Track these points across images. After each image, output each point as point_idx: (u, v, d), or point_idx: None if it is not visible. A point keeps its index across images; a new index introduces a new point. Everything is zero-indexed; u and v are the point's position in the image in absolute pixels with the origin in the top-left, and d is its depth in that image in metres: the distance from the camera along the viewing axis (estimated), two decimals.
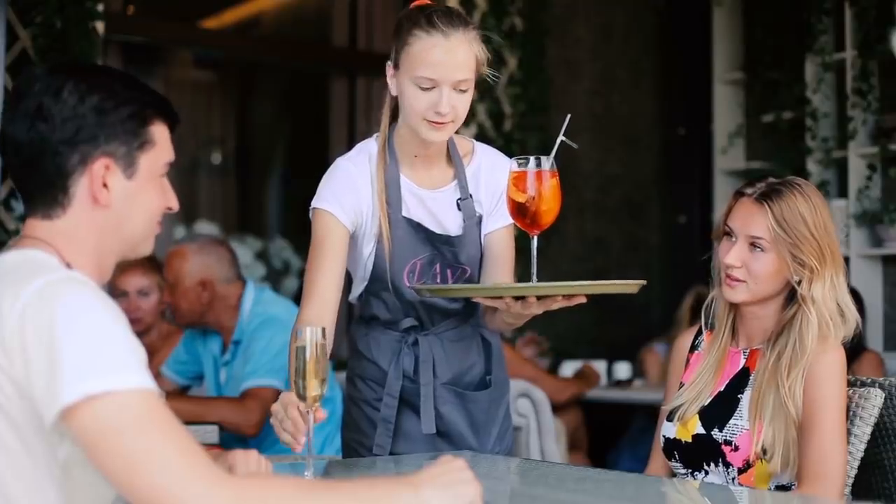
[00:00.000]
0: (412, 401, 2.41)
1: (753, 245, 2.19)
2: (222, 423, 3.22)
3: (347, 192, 2.29)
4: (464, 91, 2.21)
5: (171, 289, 3.55)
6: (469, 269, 2.40)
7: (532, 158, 2.12)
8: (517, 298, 2.11)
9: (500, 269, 2.41)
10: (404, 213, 2.32)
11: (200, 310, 3.53)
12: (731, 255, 2.20)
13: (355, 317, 2.55)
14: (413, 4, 2.29)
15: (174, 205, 1.59)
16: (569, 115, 2.20)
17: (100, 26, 4.35)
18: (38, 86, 1.49)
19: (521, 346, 4.98)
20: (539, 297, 2.10)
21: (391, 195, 2.30)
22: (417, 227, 2.33)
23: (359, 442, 2.45)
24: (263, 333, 3.40)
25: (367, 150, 2.36)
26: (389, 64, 2.28)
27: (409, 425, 2.42)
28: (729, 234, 2.23)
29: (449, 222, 2.36)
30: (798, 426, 2.12)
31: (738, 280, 2.20)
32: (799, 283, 2.17)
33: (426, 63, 2.17)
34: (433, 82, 2.18)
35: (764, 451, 2.13)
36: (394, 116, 2.38)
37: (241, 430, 3.27)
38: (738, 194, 2.25)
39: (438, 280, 2.37)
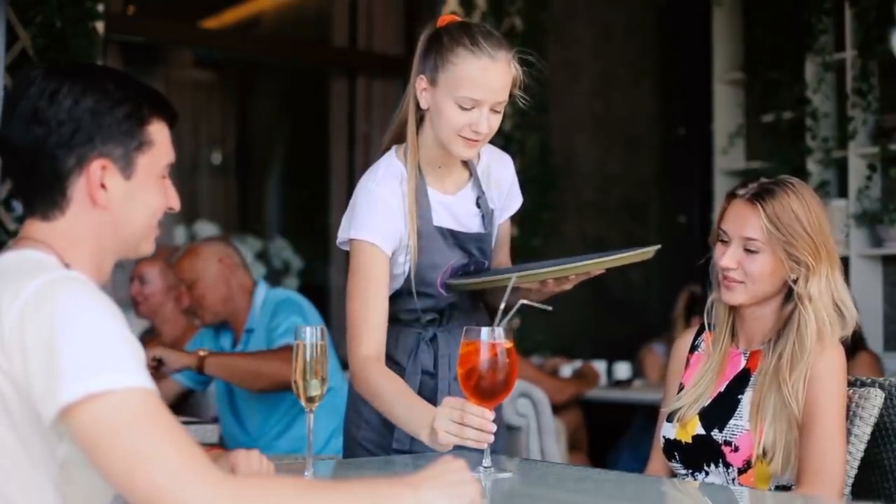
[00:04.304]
0: (429, 397, 2.40)
1: (748, 246, 2.18)
2: (269, 379, 3.25)
3: (386, 221, 2.30)
4: (498, 112, 2.24)
5: (190, 288, 3.63)
6: (490, 264, 2.47)
7: (484, 330, 1.99)
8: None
9: (503, 252, 2.53)
10: (435, 223, 2.34)
11: (226, 294, 3.61)
12: (726, 258, 2.20)
13: None
14: (447, 20, 2.29)
15: (175, 205, 1.59)
16: (514, 277, 2.18)
17: (100, 26, 4.36)
18: (33, 89, 1.49)
19: None
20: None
21: (421, 207, 2.33)
22: (447, 234, 2.36)
23: (371, 440, 2.45)
24: (283, 310, 3.50)
25: (393, 170, 2.35)
26: (423, 77, 2.26)
27: None
28: (723, 237, 2.23)
29: (471, 222, 2.41)
30: (799, 425, 2.12)
31: (735, 281, 2.20)
32: (795, 281, 2.17)
33: (473, 85, 2.19)
34: (476, 103, 2.19)
35: (764, 453, 2.12)
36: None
37: (289, 380, 3.21)
38: (731, 196, 2.24)
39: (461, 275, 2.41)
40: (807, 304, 2.15)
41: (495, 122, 2.24)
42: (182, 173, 5.79)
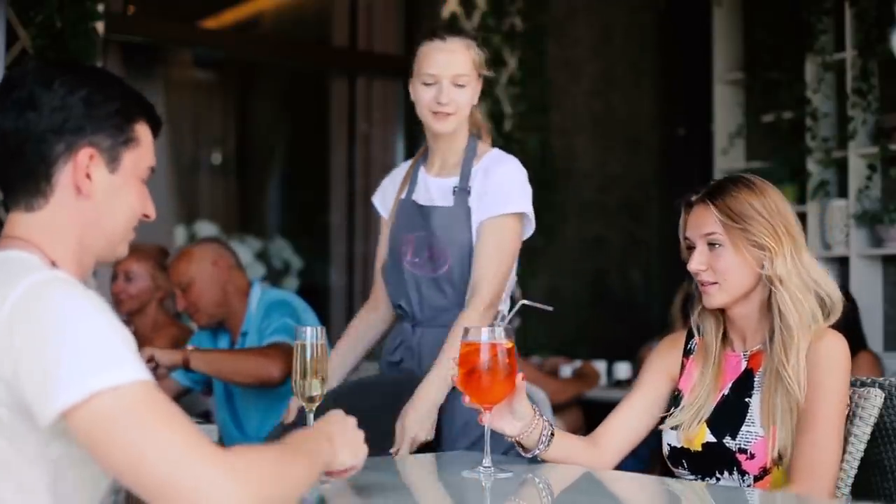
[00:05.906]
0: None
1: (710, 241, 2.19)
2: (251, 375, 3.26)
3: (387, 188, 2.83)
4: (461, 86, 2.58)
5: (185, 291, 3.61)
6: (450, 257, 2.60)
7: (484, 330, 1.98)
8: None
9: (476, 262, 2.57)
10: (414, 197, 2.69)
11: (221, 296, 3.60)
12: (693, 262, 2.20)
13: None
14: None
15: (151, 213, 1.62)
16: (521, 302, 2.22)
17: (100, 26, 4.36)
18: (29, 78, 1.51)
19: None
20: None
21: (411, 184, 2.72)
22: (416, 207, 2.67)
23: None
24: (275, 311, 3.50)
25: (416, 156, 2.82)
26: (410, 78, 2.66)
27: None
28: (689, 244, 2.23)
29: (440, 200, 2.66)
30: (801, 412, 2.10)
31: (710, 283, 2.19)
32: (762, 266, 2.17)
33: (428, 62, 2.58)
34: (434, 77, 2.57)
35: (780, 457, 2.10)
36: None
37: (270, 377, 3.26)
38: (687, 205, 2.26)
39: (426, 256, 2.63)
40: (778, 285, 2.15)
41: (459, 95, 2.59)
42: (182, 173, 5.80)
